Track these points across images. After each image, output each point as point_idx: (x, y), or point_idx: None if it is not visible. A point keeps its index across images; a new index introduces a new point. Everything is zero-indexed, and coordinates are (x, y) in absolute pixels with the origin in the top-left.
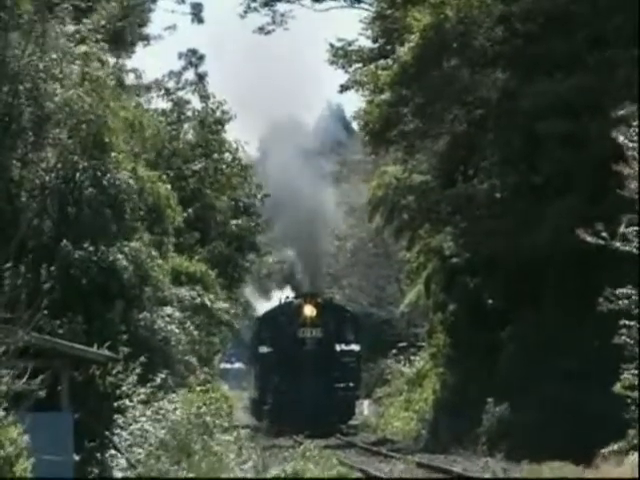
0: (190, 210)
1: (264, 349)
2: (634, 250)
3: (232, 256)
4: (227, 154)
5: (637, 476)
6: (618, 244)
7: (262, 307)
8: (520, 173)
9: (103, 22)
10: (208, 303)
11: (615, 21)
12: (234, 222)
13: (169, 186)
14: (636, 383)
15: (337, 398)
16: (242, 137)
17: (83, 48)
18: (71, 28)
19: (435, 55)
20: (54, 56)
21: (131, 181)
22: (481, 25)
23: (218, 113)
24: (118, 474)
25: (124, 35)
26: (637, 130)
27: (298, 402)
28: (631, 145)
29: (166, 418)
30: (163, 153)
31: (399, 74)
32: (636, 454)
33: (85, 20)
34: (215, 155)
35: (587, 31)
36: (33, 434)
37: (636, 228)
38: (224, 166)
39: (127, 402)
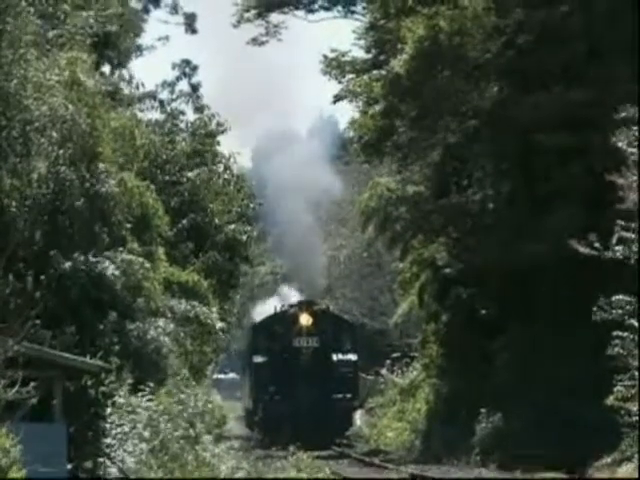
0: (185, 221)
1: (258, 359)
2: (631, 260)
3: (226, 265)
4: (220, 165)
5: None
6: (611, 253)
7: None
8: (514, 184)
9: (82, 24)
10: (201, 316)
11: (612, 33)
12: (229, 227)
13: (155, 195)
14: (629, 395)
15: (334, 409)
16: (234, 148)
17: (68, 54)
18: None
19: (429, 67)
20: (33, 62)
21: (119, 191)
22: (474, 36)
23: (212, 125)
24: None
25: (116, 45)
26: (637, 136)
27: (293, 413)
28: (630, 151)
29: (156, 425)
30: (157, 161)
31: (393, 85)
32: (629, 465)
33: (67, 22)
34: (207, 167)
35: (583, 43)
36: (26, 445)
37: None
38: (216, 177)
39: (118, 412)
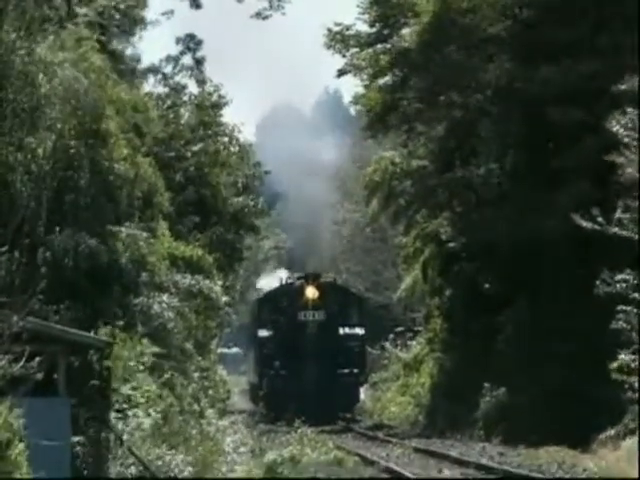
0: (188, 191)
1: (263, 332)
2: (634, 236)
3: (231, 239)
4: (224, 137)
5: (636, 461)
6: (615, 229)
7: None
8: (519, 158)
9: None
10: (205, 291)
11: (619, 5)
12: (235, 200)
13: (158, 171)
14: (632, 366)
15: (340, 384)
16: (239, 121)
17: (76, 35)
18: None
19: (437, 40)
20: (41, 40)
21: (127, 167)
22: (482, 10)
23: (215, 97)
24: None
25: (123, 20)
26: (637, 117)
27: (299, 388)
28: (626, 133)
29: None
30: (161, 136)
31: (401, 58)
32: (633, 438)
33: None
34: (212, 139)
35: (591, 17)
36: (30, 419)
37: (630, 214)
38: (222, 147)
39: (123, 386)
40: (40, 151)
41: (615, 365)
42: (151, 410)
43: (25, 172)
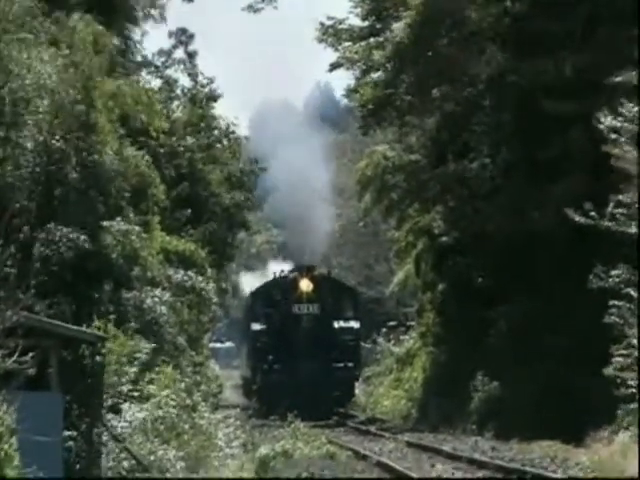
0: (182, 186)
1: (257, 326)
2: (628, 230)
3: (223, 234)
4: (217, 131)
5: (630, 456)
6: (607, 223)
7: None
8: (512, 151)
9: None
10: (197, 286)
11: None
12: (227, 196)
13: (151, 165)
14: (626, 365)
15: (335, 379)
16: (232, 115)
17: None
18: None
19: (430, 33)
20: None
21: (116, 161)
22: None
23: (207, 89)
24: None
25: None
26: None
27: (293, 382)
28: (622, 125)
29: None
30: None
31: (394, 52)
32: (627, 433)
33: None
34: (204, 132)
35: (586, 9)
36: (22, 414)
37: (624, 210)
38: (216, 142)
39: (116, 381)
40: (29, 145)
41: (610, 368)
42: (143, 405)
43: (15, 166)
